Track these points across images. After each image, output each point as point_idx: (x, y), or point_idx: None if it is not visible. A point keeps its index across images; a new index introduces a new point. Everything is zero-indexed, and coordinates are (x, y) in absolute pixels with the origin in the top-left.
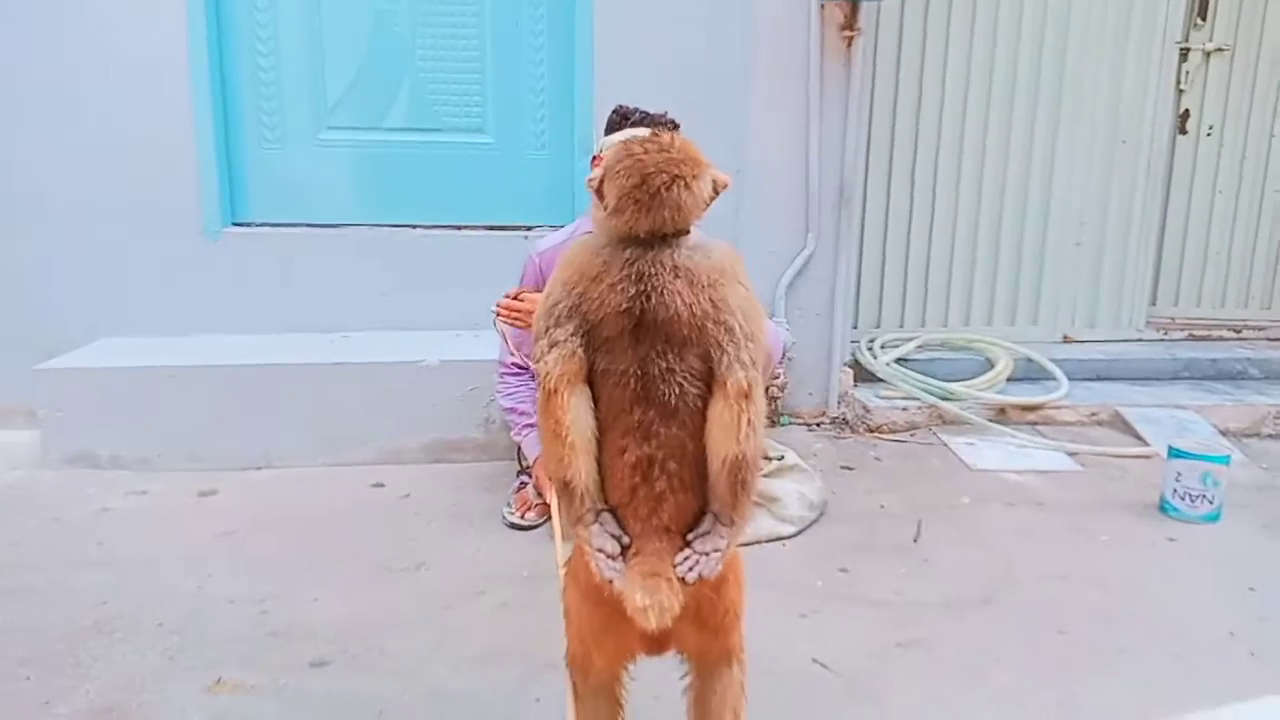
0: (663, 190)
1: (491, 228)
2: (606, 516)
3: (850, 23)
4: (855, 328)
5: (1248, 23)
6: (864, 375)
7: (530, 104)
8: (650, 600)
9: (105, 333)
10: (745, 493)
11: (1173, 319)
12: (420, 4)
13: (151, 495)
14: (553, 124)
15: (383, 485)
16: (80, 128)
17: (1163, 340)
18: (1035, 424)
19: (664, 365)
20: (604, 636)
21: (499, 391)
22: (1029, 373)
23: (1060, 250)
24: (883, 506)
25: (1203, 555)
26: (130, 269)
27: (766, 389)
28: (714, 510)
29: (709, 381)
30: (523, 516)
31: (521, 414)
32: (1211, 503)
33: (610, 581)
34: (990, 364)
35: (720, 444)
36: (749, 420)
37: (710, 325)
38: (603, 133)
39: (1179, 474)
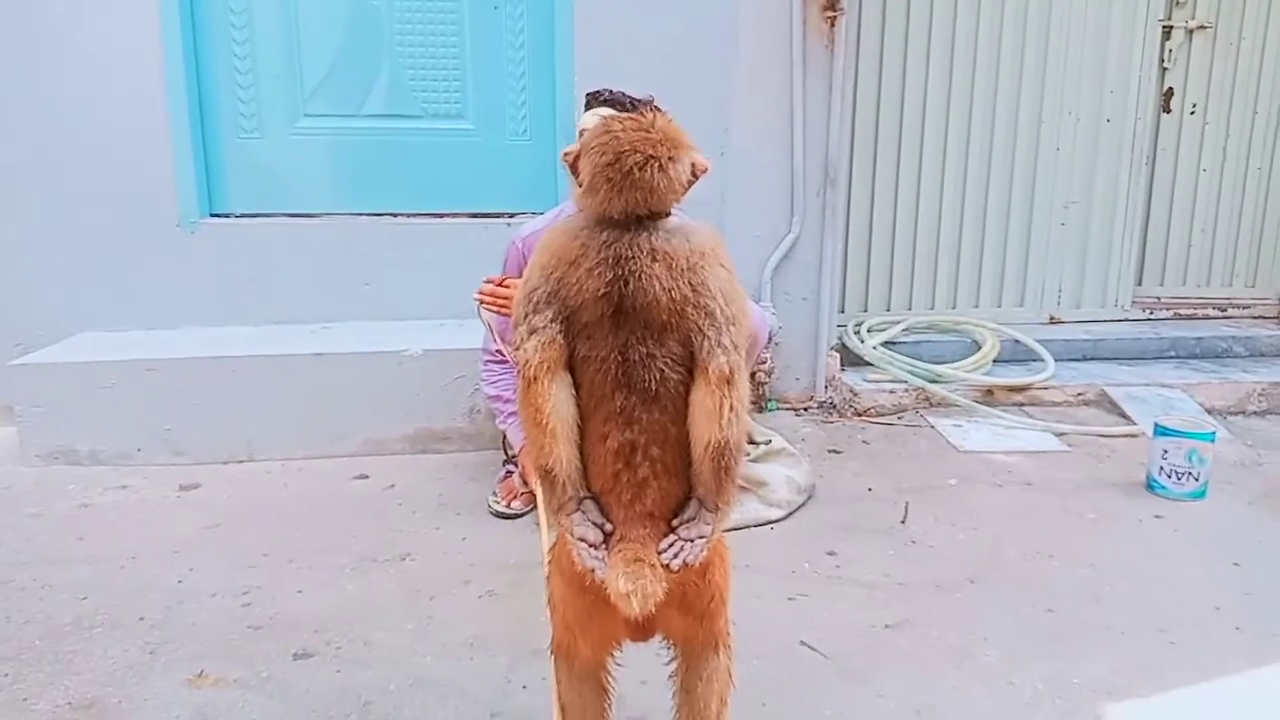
0: (635, 170)
1: (473, 215)
2: (589, 504)
3: (833, 3)
4: (842, 311)
5: (1229, 0)
6: (851, 359)
7: (511, 89)
8: (633, 586)
9: (82, 327)
10: (729, 478)
11: (1158, 298)
12: None
13: (132, 490)
14: (534, 109)
15: (367, 476)
16: (52, 119)
17: (1148, 320)
18: (1022, 405)
19: (644, 351)
20: (589, 624)
21: (483, 380)
22: (1016, 354)
23: (1046, 231)
24: (870, 489)
25: (1189, 532)
26: (107, 262)
27: (753, 374)
28: (698, 496)
29: (690, 366)
30: (508, 505)
31: (506, 402)
32: (1197, 480)
33: (592, 571)
34: (977, 346)
35: (703, 430)
36: (731, 405)
37: (690, 310)
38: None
39: (1165, 452)
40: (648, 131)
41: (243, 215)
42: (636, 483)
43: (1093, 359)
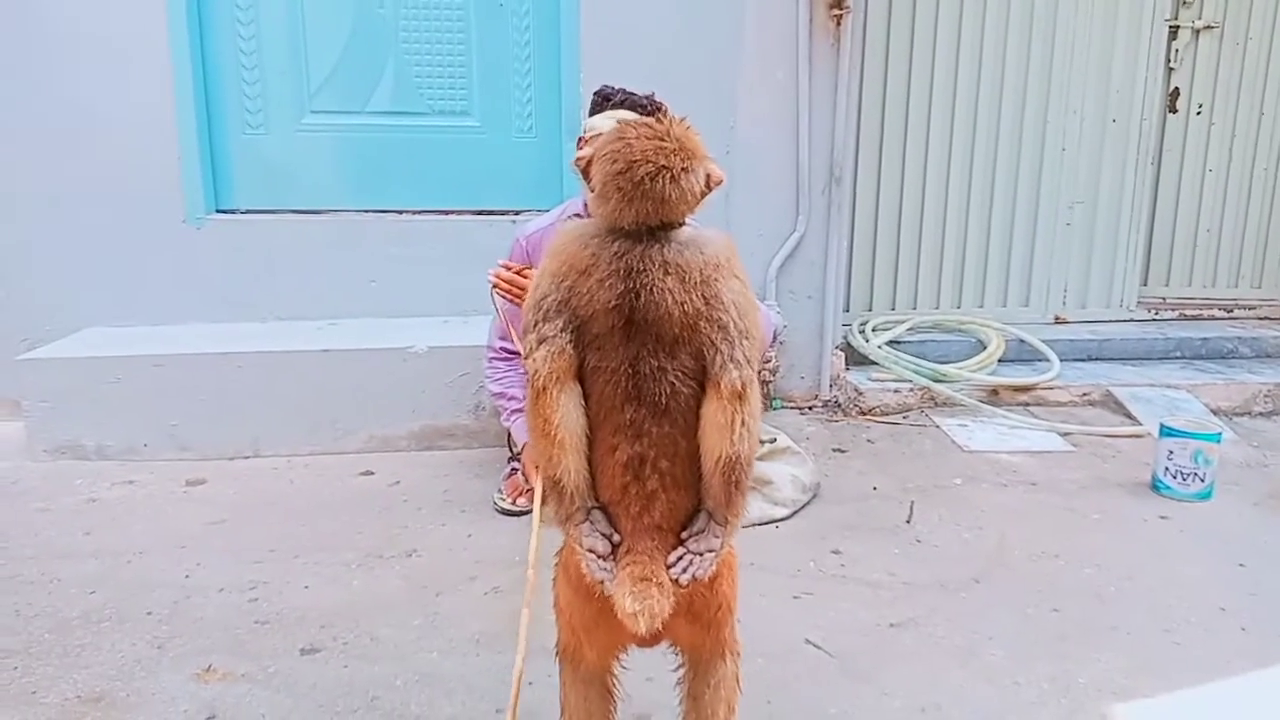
0: (647, 180)
1: (478, 212)
2: (597, 514)
3: (839, 1)
4: (847, 310)
5: (1236, 0)
6: (856, 358)
7: (516, 86)
8: (640, 607)
9: (89, 322)
10: (739, 492)
11: (1164, 299)
12: None
13: (139, 485)
14: (539, 106)
15: (372, 473)
16: (59, 115)
17: (1154, 320)
18: (1027, 405)
19: (655, 364)
20: (595, 630)
21: (488, 377)
22: (1021, 354)
23: (1051, 231)
24: (875, 488)
25: (1194, 532)
26: (114, 258)
27: (758, 372)
28: (708, 509)
29: (702, 379)
30: (514, 502)
31: (510, 399)
32: (1203, 481)
33: (600, 582)
34: (982, 345)
35: (714, 444)
36: (743, 421)
37: (703, 324)
38: (587, 114)
39: (1171, 452)
40: (662, 140)
41: (249, 211)
42: (645, 495)
43: (1098, 359)
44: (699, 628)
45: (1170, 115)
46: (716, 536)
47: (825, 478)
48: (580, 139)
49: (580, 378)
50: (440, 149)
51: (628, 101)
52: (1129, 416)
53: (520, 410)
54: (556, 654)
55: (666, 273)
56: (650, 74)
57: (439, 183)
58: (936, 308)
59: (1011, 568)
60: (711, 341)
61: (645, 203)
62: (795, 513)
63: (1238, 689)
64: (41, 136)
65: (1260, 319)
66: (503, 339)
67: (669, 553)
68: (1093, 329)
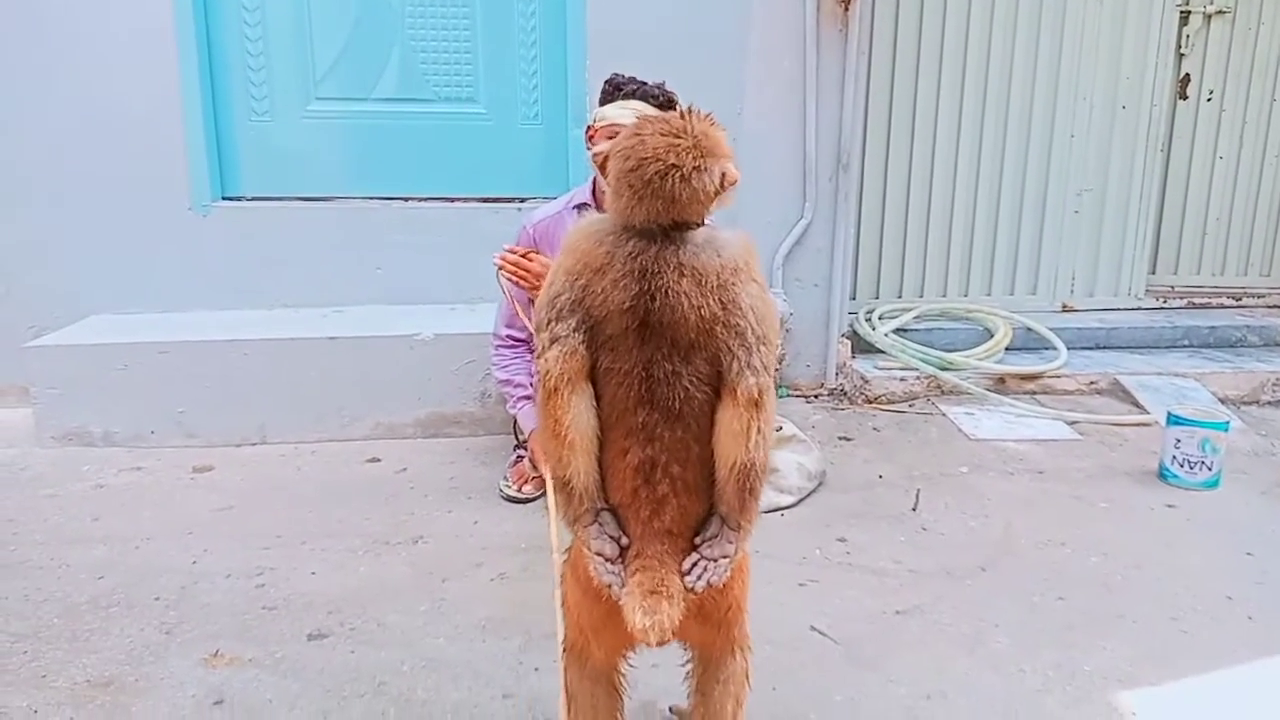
0: (656, 179)
1: (485, 199)
2: (606, 517)
3: None
4: (853, 298)
5: None
6: (862, 346)
7: (523, 73)
8: (650, 621)
9: (96, 309)
10: (754, 499)
11: (1172, 287)
12: None
13: (146, 471)
14: (545, 94)
15: (379, 460)
16: (66, 103)
17: (1162, 308)
18: (1034, 393)
19: (669, 368)
20: (603, 631)
21: (494, 364)
22: (1028, 342)
23: (1059, 218)
24: (881, 476)
25: (1201, 521)
26: (120, 245)
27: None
28: (721, 514)
29: (716, 384)
30: (520, 489)
31: (517, 386)
32: (1210, 469)
33: (609, 586)
34: (989, 333)
35: (729, 451)
36: (759, 428)
37: (720, 329)
38: (597, 103)
39: (1178, 441)
40: (677, 137)
41: (255, 198)
42: (655, 499)
43: (1106, 347)
44: (710, 628)
45: (1180, 102)
46: (730, 542)
47: (831, 466)
48: (589, 127)
49: (592, 379)
50: (446, 136)
51: (639, 91)
52: (1136, 405)
53: (527, 398)
54: (563, 651)
55: (682, 275)
56: (657, 61)
57: (445, 170)
58: (944, 295)
59: (1018, 556)
60: (728, 347)
61: (655, 201)
62: (801, 500)
63: (1244, 678)
64: (48, 125)
65: (1269, 307)
66: (509, 326)
67: (678, 557)
68: (1101, 317)
